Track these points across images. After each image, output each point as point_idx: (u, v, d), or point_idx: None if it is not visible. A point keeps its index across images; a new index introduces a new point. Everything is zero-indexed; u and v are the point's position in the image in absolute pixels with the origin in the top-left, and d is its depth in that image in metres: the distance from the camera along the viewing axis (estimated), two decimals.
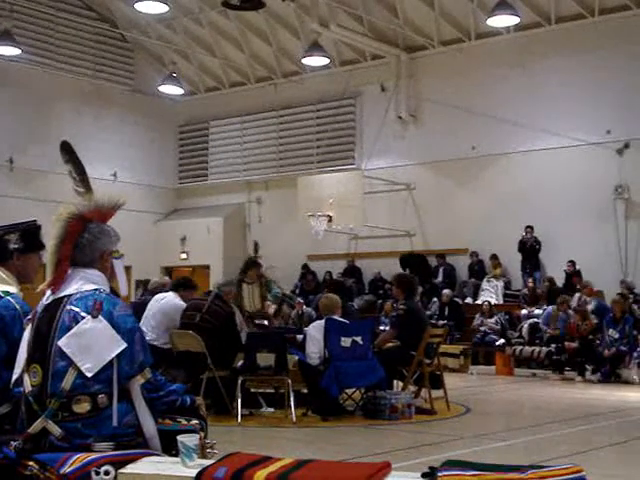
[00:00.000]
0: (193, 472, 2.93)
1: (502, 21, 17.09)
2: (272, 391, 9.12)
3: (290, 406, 8.16)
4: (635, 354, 13.47)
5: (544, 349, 15.14)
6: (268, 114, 22.83)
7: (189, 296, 9.11)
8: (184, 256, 23.09)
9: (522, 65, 18.55)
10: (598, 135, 17.62)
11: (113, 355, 3.33)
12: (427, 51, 20.12)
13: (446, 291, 18.25)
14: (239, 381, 8.15)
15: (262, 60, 22.51)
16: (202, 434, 3.29)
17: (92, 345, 3.33)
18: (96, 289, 3.46)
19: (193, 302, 8.85)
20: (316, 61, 19.78)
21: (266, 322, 11.20)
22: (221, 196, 23.60)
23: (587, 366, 14.04)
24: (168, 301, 9.02)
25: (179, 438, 3.07)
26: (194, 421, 3.53)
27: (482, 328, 16.73)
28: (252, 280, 11.42)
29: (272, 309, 12.28)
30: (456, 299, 18.37)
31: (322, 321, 8.71)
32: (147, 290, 11.43)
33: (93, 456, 3.11)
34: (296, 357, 8.77)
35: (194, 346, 8.31)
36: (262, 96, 22.79)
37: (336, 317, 8.77)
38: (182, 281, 9.80)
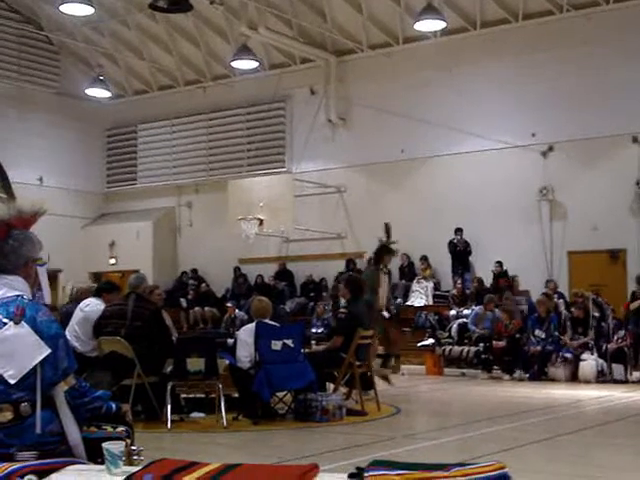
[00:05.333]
0: (119, 479, 2.89)
1: (429, 26, 17.36)
2: (202, 396, 9.05)
3: (221, 411, 8.11)
4: (561, 353, 13.75)
5: (473, 349, 15.36)
6: (198, 117, 22.70)
7: (113, 300, 8.91)
8: (113, 261, 22.79)
9: (449, 69, 18.82)
10: (523, 138, 17.99)
11: (37, 361, 3.27)
12: (356, 55, 20.26)
13: None
14: (169, 387, 8.06)
15: (191, 63, 22.38)
16: (128, 441, 3.24)
17: (15, 351, 3.26)
18: (18, 295, 3.39)
19: (114, 308, 8.61)
20: (245, 64, 19.75)
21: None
22: (150, 200, 23.37)
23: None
24: (92, 307, 8.84)
25: (104, 445, 3.02)
26: (120, 428, 3.48)
27: None
28: (387, 269, 11.11)
29: None
30: (397, 301, 18.54)
31: (252, 325, 8.69)
32: (71, 302, 11.06)
33: (16, 465, 3.03)
34: (226, 361, 8.72)
35: (122, 350, 8.18)
36: (191, 99, 22.65)
37: (267, 320, 8.76)
38: (104, 285, 9.61)
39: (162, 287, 16.62)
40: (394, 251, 11.57)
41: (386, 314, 11.22)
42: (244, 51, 19.01)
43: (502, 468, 2.67)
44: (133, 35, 21.95)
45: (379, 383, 11.02)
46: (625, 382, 13.28)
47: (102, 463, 3.07)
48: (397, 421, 9.07)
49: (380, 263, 11.18)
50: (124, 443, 3.09)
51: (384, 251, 11.35)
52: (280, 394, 9.00)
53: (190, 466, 2.90)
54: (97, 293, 9.26)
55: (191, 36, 21.57)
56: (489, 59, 18.46)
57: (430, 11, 16.56)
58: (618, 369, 13.58)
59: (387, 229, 12.46)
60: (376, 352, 11.34)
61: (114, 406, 3.58)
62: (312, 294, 20.07)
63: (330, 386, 9.58)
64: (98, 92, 22.14)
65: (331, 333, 10.48)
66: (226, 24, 20.65)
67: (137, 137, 23.91)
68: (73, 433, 3.32)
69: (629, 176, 16.88)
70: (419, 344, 16.68)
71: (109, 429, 3.47)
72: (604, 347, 13.81)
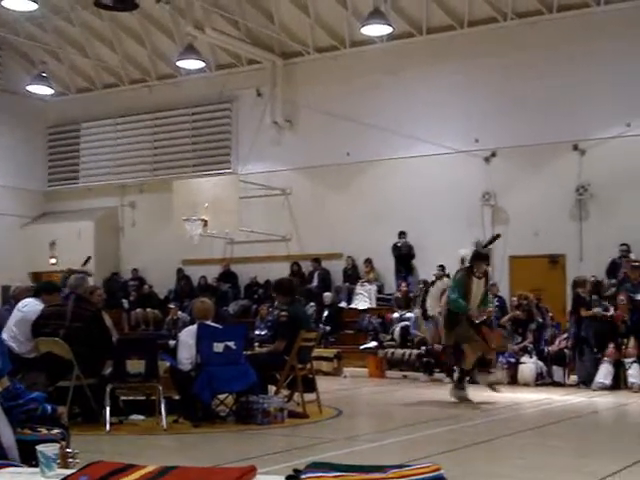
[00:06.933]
0: None
1: (375, 30, 17.43)
2: (142, 398, 8.95)
3: (161, 413, 8.04)
4: (502, 358, 13.91)
5: (415, 351, 15.49)
6: (142, 116, 22.48)
7: (53, 300, 8.76)
8: (53, 261, 22.39)
9: (395, 73, 18.94)
10: (467, 143, 18.19)
11: None
12: (303, 57, 20.27)
13: (327, 294, 18.49)
14: (108, 389, 7.96)
15: (136, 62, 22.15)
16: (63, 443, 3.19)
17: None
18: None
19: (54, 309, 8.47)
20: (191, 64, 19.62)
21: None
22: (93, 199, 23.08)
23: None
24: (30, 308, 8.68)
25: (38, 448, 2.97)
26: (55, 430, 3.44)
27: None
28: (481, 274, 10.89)
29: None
30: (340, 304, 18.65)
31: (194, 326, 8.63)
32: (9, 302, 10.82)
33: None
34: (167, 363, 8.65)
35: (59, 351, 8.04)
36: (136, 98, 22.43)
37: (209, 322, 8.71)
38: (44, 285, 9.45)
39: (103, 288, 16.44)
40: (485, 256, 11.13)
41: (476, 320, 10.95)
42: (190, 51, 18.88)
43: (438, 470, 2.69)
44: (77, 32, 21.64)
45: (489, 393, 11.03)
46: (563, 385, 13.53)
47: (36, 466, 3.01)
48: (338, 423, 9.09)
49: (473, 268, 10.86)
50: (58, 445, 3.05)
51: (474, 257, 10.99)
52: (221, 396, 8.96)
53: (126, 469, 2.86)
54: (36, 293, 9.10)
55: (136, 34, 21.36)
56: (434, 65, 18.62)
57: (377, 16, 16.65)
58: (558, 372, 13.84)
59: (494, 239, 12.06)
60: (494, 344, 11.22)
61: (49, 408, 3.53)
62: (256, 296, 20.01)
63: (272, 388, 9.56)
64: (40, 89, 21.76)
65: (274, 337, 10.42)
66: (172, 23, 20.48)
67: (80, 135, 23.57)
68: (6, 435, 3.26)
69: (569, 183, 17.18)
70: (362, 347, 16.76)
71: (44, 431, 3.42)
72: (545, 350, 14.06)
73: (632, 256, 15.69)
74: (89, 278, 11.01)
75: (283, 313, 9.57)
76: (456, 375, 11.42)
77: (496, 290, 16.55)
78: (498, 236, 12.21)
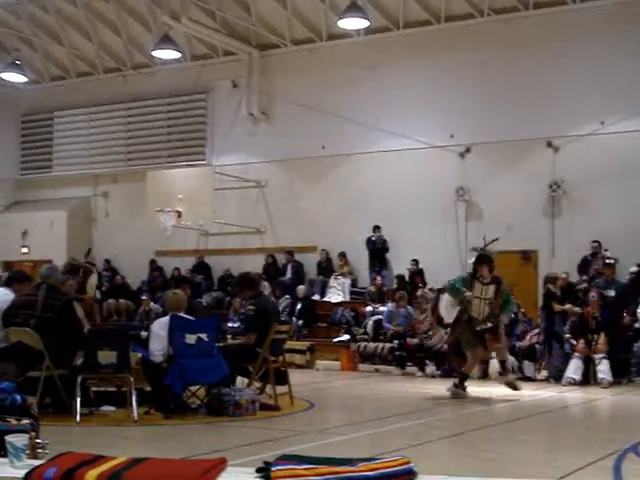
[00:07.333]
0: (21, 472, 2.83)
1: (352, 24, 17.42)
2: (114, 389, 8.91)
3: (132, 404, 8.01)
4: None
5: (387, 345, 15.55)
6: (117, 106, 22.34)
7: (24, 290, 8.69)
8: (25, 250, 22.23)
9: (371, 67, 18.96)
10: (442, 138, 18.24)
11: None
12: (279, 49, 20.22)
13: (301, 287, 18.49)
14: (78, 379, 7.91)
15: (111, 51, 21.99)
16: (33, 434, 3.18)
17: None
18: None
19: (24, 299, 8.40)
20: (167, 54, 19.48)
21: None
22: (66, 189, 22.89)
23: (427, 361, 14.51)
24: (0, 297, 8.59)
25: (7, 438, 2.96)
26: (25, 421, 3.41)
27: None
28: (487, 279, 10.72)
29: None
30: (314, 297, 18.65)
31: (166, 318, 8.61)
32: None
33: None
34: (139, 354, 8.62)
35: (30, 341, 7.98)
36: (110, 87, 22.28)
37: (181, 314, 8.69)
38: (15, 275, 9.37)
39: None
40: (485, 258, 10.86)
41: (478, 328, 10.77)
42: (166, 41, 18.75)
43: (407, 463, 2.71)
44: (52, 20, 21.44)
45: (507, 391, 10.91)
46: (534, 380, 13.65)
47: (5, 456, 3.00)
48: (310, 416, 9.11)
49: (477, 272, 10.81)
50: (28, 436, 3.03)
51: (475, 261, 10.95)
52: (193, 388, 8.94)
53: (95, 460, 2.86)
54: (7, 283, 9.02)
55: (112, 23, 21.19)
56: (411, 59, 18.66)
57: (354, 9, 16.62)
58: (529, 366, 13.96)
59: (486, 240, 11.76)
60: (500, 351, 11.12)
61: (19, 398, 3.51)
62: (229, 288, 19.96)
63: (244, 380, 9.56)
64: (14, 77, 21.51)
65: (245, 330, 10.41)
66: (148, 12, 20.36)
67: (54, 124, 23.38)
68: None
69: (543, 179, 17.30)
70: (335, 340, 16.79)
71: (13, 421, 3.39)
72: (516, 345, 14.17)
73: (607, 253, 15.84)
74: (93, 268, 10.99)
75: (251, 307, 9.60)
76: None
77: None
78: (496, 239, 12.08)
